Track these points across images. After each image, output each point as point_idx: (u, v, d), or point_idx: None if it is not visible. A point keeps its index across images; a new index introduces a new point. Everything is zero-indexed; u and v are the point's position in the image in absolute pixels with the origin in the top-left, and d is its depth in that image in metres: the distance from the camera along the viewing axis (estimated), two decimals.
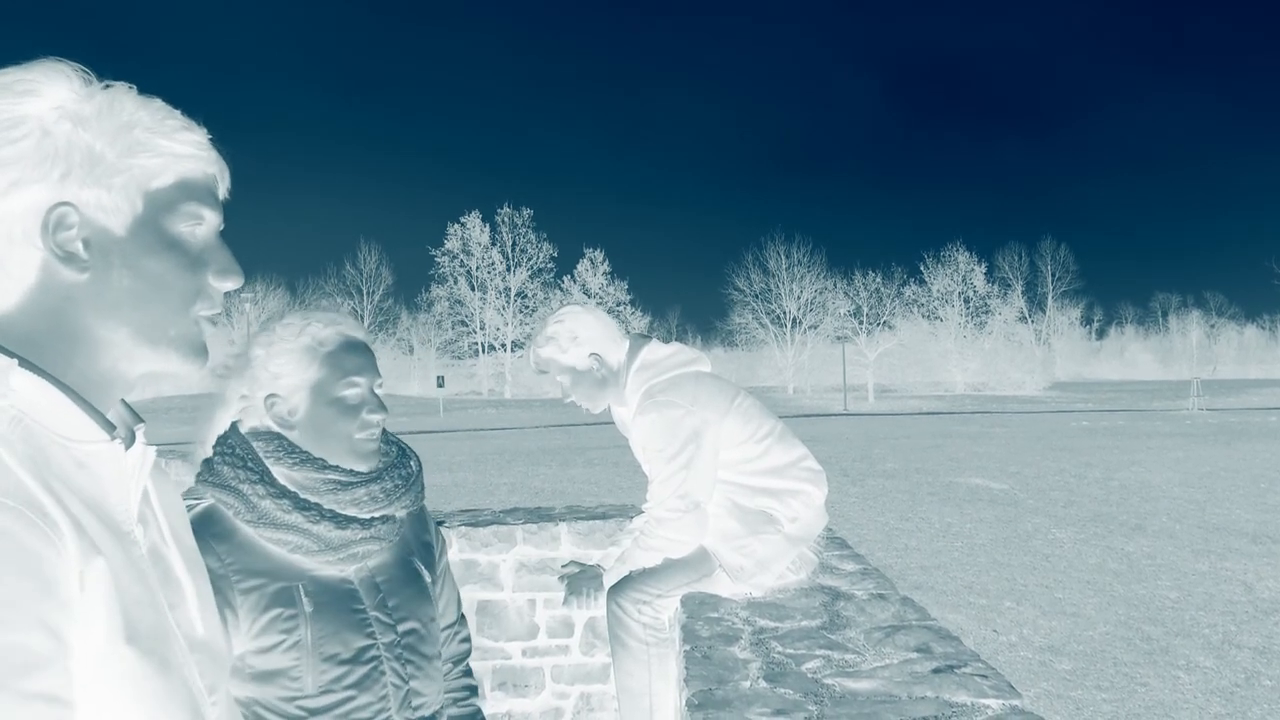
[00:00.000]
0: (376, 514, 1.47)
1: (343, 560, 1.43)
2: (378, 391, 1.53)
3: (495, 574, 3.89)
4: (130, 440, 0.84)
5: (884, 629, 2.26)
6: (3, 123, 0.76)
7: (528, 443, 24.80)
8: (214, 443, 1.47)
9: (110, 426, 0.80)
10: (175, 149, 0.82)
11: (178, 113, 0.84)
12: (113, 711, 0.72)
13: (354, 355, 1.50)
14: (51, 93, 0.78)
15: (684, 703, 1.92)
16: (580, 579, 2.80)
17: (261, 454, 1.44)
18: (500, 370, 78.58)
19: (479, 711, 1.71)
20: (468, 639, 1.77)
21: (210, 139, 0.86)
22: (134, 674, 0.74)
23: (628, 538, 2.84)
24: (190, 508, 1.40)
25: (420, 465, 1.60)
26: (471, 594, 3.87)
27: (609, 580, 2.73)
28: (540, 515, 4.09)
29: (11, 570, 0.65)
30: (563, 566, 2.91)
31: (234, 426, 1.48)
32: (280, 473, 1.43)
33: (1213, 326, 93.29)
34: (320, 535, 1.40)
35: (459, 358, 79.50)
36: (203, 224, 0.85)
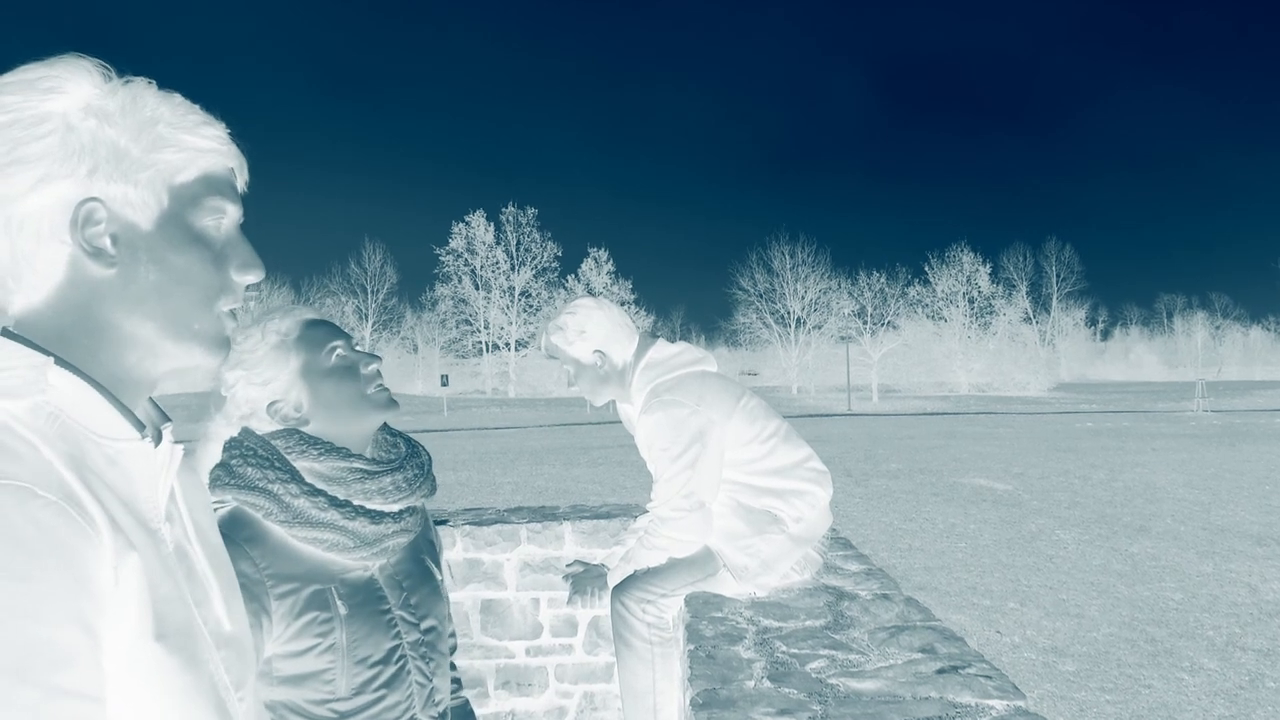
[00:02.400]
0: (403, 505, 1.47)
1: (376, 555, 1.43)
2: (359, 349, 1.54)
3: (499, 573, 3.90)
4: (158, 438, 0.85)
5: (888, 629, 2.26)
6: (28, 119, 0.76)
7: (532, 442, 24.80)
8: (226, 447, 1.45)
9: (140, 425, 0.80)
10: (198, 144, 0.83)
11: (197, 107, 0.85)
12: (140, 706, 0.72)
13: (319, 328, 1.52)
14: (75, 89, 0.78)
15: (688, 702, 1.92)
16: (584, 578, 2.81)
17: (283, 451, 1.43)
18: (504, 369, 78.62)
19: (468, 702, 1.74)
20: (454, 634, 1.79)
21: (230, 133, 0.87)
22: (162, 669, 0.74)
23: (632, 537, 2.84)
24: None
25: (430, 457, 1.61)
26: (475, 593, 3.88)
27: (613, 579, 2.74)
28: (544, 514, 4.10)
29: (49, 565, 0.65)
30: (567, 566, 2.91)
31: (246, 430, 1.47)
32: (304, 467, 1.42)
33: (1218, 328, 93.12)
34: (356, 530, 1.39)
35: (463, 357, 79.60)
36: (225, 218, 0.86)
